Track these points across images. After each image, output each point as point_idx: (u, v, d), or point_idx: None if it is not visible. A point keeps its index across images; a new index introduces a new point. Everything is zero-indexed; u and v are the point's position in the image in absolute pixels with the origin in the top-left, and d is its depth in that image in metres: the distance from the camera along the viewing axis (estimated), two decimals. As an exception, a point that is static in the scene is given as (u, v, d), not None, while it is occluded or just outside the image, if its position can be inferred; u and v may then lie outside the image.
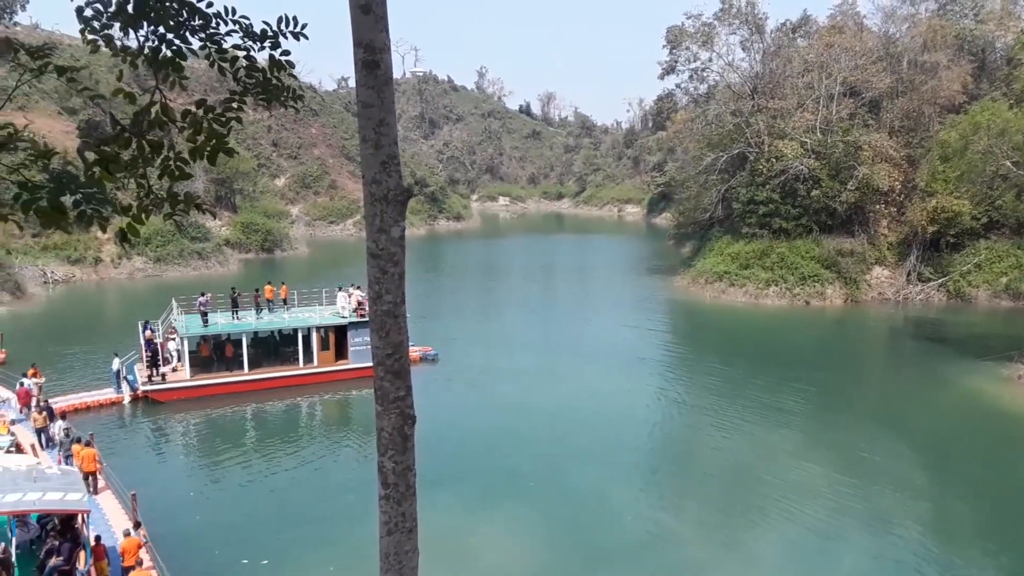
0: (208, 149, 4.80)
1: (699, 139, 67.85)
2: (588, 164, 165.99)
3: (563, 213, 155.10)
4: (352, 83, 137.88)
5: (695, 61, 68.59)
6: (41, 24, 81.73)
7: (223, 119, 4.88)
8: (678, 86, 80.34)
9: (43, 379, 29.04)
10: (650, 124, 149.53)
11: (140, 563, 16.40)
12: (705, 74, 70.18)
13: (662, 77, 73.62)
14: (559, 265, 79.93)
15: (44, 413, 24.86)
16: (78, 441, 22.12)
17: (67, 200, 4.36)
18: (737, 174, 61.47)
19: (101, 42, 4.71)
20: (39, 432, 24.65)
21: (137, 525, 18.09)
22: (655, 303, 55.12)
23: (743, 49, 66.52)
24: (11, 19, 68.87)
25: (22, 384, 27.71)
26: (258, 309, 34.86)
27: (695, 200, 67.67)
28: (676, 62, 70.21)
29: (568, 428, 28.25)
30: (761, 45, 65.25)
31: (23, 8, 70.03)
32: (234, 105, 4.85)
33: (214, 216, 6.99)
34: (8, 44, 4.76)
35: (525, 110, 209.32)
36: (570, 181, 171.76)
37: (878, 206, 56.98)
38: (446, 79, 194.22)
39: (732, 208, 60.92)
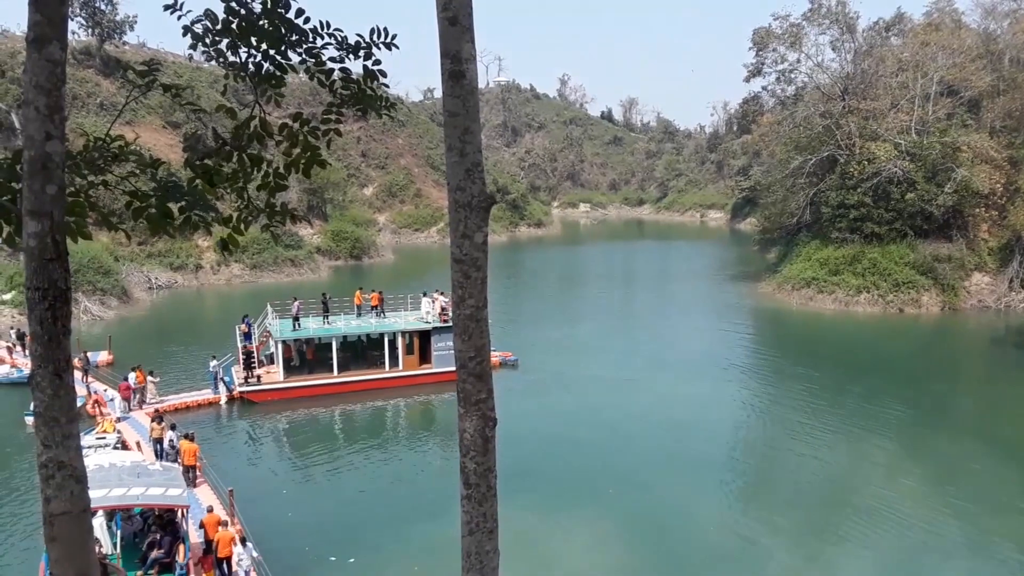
0: (303, 162, 5.05)
1: (786, 142, 66.22)
2: (670, 169, 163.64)
3: (644, 219, 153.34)
4: (437, 94, 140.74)
5: (782, 63, 67.28)
6: (147, 43, 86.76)
7: (318, 132, 5.13)
8: (764, 88, 78.94)
9: (159, 378, 30.85)
10: (735, 128, 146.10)
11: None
12: (793, 75, 68.70)
13: (748, 79, 72.59)
14: (640, 271, 79.09)
15: (162, 424, 24.70)
16: (178, 432, 23.41)
17: (173, 207, 4.70)
18: (826, 177, 59.60)
19: (212, 55, 5.03)
20: (156, 442, 24.24)
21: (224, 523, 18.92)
22: (739, 310, 53.82)
23: (833, 49, 64.68)
24: (120, 39, 73.41)
25: (125, 379, 29.58)
26: (327, 313, 35.92)
27: (781, 204, 65.98)
28: (763, 64, 68.95)
29: (649, 436, 27.91)
30: (852, 45, 63.13)
31: (131, 28, 74.49)
32: (332, 116, 5.10)
33: (309, 223, 7.29)
34: (120, 63, 5.15)
35: (607, 116, 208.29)
36: (651, 187, 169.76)
37: (978, 209, 54.06)
38: (528, 88, 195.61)
39: (821, 212, 59.00)
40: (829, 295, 53.45)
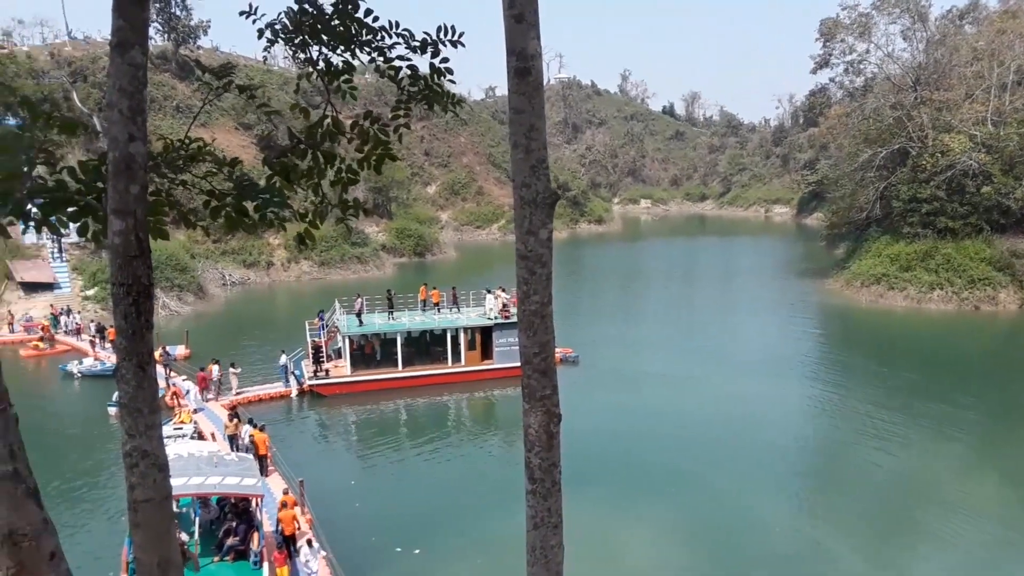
0: (374, 157, 5.16)
1: (855, 134, 64.15)
2: (734, 164, 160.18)
3: (706, 215, 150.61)
4: (499, 92, 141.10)
5: (851, 53, 65.19)
6: (220, 47, 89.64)
7: (387, 128, 5.23)
8: (832, 80, 76.66)
9: (239, 369, 32.01)
10: (801, 120, 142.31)
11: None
12: (862, 66, 66.46)
13: (815, 71, 70.70)
14: (702, 268, 77.77)
15: (235, 420, 25.10)
16: (253, 425, 24.19)
17: (248, 206, 4.85)
18: (897, 171, 57.45)
19: (293, 50, 5.18)
20: (231, 439, 24.62)
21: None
22: (806, 306, 52.39)
23: (904, 39, 62.42)
24: (195, 43, 76.11)
25: (202, 369, 30.78)
26: (392, 309, 36.46)
27: (850, 199, 63.95)
28: (830, 55, 66.97)
29: (712, 434, 27.46)
30: (924, 34, 60.72)
31: (205, 33, 77.15)
32: (400, 112, 5.20)
33: (379, 216, 7.35)
34: (198, 66, 5.36)
35: (668, 111, 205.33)
36: (714, 182, 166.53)
37: (1059, 203, 51.29)
38: (589, 84, 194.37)
39: (891, 207, 56.92)
40: (900, 292, 51.65)
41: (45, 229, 4.59)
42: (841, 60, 66.54)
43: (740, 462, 24.76)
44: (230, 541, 17.48)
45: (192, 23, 75.22)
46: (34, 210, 4.62)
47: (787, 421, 28.93)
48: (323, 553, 17.95)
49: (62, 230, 4.83)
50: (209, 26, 76.31)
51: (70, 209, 4.56)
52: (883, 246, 56.17)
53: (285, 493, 19.63)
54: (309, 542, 17.56)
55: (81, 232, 4.56)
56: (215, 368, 31.20)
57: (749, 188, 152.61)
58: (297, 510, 19.39)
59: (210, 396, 30.59)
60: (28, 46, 72.45)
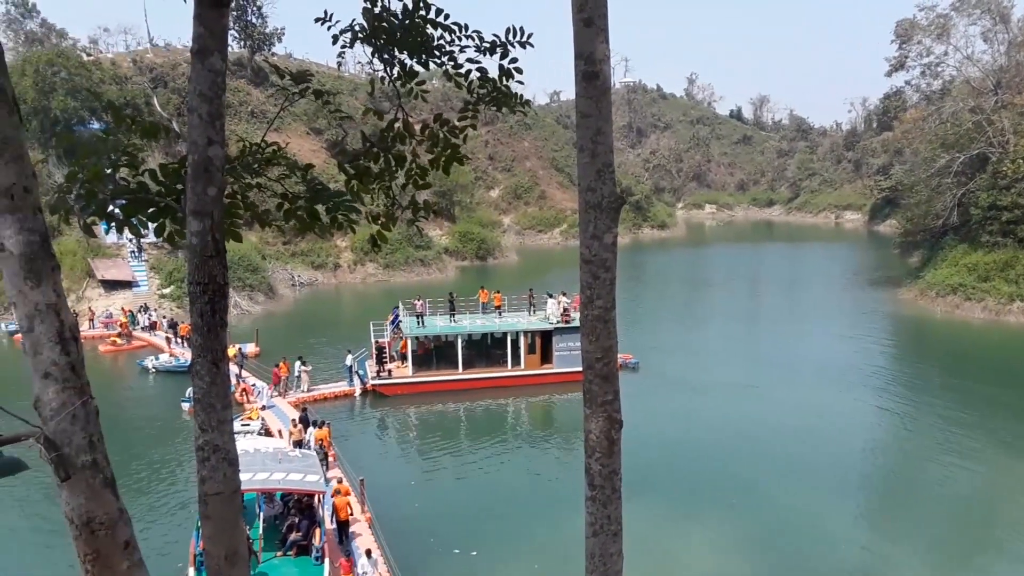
0: (444, 159, 5.24)
1: (931, 139, 61.77)
2: (803, 168, 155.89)
3: (773, 220, 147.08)
4: (563, 96, 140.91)
5: (928, 56, 63.29)
6: (294, 54, 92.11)
7: (457, 131, 5.31)
8: (908, 83, 74.61)
9: (310, 367, 33.02)
10: (874, 124, 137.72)
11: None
12: (939, 69, 64.45)
13: (890, 74, 68.94)
14: (768, 275, 75.88)
15: (299, 426, 25.13)
16: (316, 426, 24.70)
17: (320, 209, 4.97)
18: (976, 177, 55.03)
19: (358, 60, 5.34)
20: (296, 444, 23.92)
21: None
22: (876, 317, 50.58)
23: (984, 41, 60.08)
24: (269, 50, 78.45)
25: (276, 366, 31.89)
26: (453, 312, 36.74)
27: (925, 206, 61.55)
28: (906, 57, 65.09)
29: (774, 445, 26.76)
30: (1006, 36, 58.28)
31: (279, 40, 79.44)
32: (468, 114, 5.26)
33: (446, 216, 7.35)
34: (278, 71, 5.53)
35: (736, 115, 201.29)
36: (782, 187, 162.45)
37: None
38: (655, 88, 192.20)
39: (969, 214, 54.47)
40: (978, 303, 49.33)
41: (125, 229, 4.78)
42: (918, 62, 64.80)
43: (802, 474, 24.06)
44: (293, 536, 17.87)
45: (267, 30, 77.56)
46: (116, 211, 4.83)
47: (853, 434, 27.97)
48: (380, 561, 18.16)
49: (142, 231, 5.04)
50: (283, 33, 78.75)
51: (150, 210, 4.75)
52: (960, 255, 53.89)
53: (339, 482, 20.45)
54: (368, 552, 17.84)
55: (158, 233, 4.74)
56: (297, 365, 32.21)
57: (819, 193, 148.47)
58: (352, 498, 19.92)
59: (276, 393, 31.47)
60: (112, 53, 75.84)
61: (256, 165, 5.11)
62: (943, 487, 23.35)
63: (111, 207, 4.77)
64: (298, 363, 32.58)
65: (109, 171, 4.75)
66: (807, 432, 27.96)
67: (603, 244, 4.24)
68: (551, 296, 36.04)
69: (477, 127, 5.61)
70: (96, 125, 59.32)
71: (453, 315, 36.48)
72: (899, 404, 31.65)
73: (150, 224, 4.79)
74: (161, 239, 4.93)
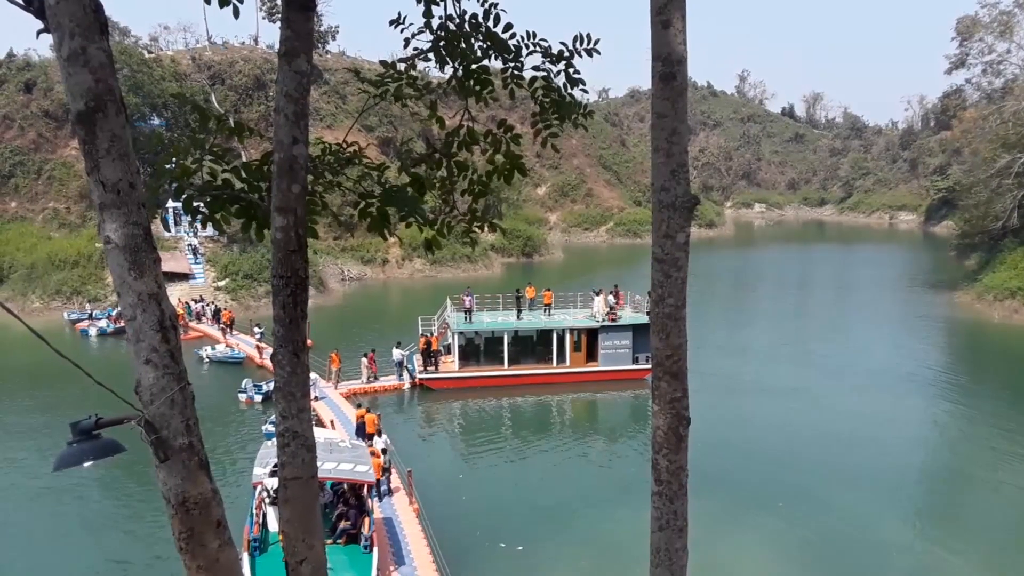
0: (506, 169, 5.29)
1: (992, 139, 59.88)
2: (857, 168, 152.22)
3: (825, 221, 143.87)
4: (613, 95, 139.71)
5: (990, 53, 61.63)
6: (346, 52, 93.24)
7: (519, 139, 5.35)
8: (968, 81, 72.43)
9: (365, 360, 33.72)
10: (932, 124, 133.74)
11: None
12: (1002, 67, 62.60)
13: (949, 72, 67.31)
14: (819, 277, 74.27)
15: (362, 407, 25.70)
16: (359, 407, 25.57)
17: (390, 210, 5.10)
18: (1037, 178, 53.22)
19: (441, 57, 5.38)
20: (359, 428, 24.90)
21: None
22: (931, 321, 49.15)
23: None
24: (323, 48, 79.68)
25: (365, 355, 33.43)
26: (520, 309, 36.90)
27: (984, 207, 59.69)
28: (967, 55, 63.31)
29: (824, 449, 26.26)
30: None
31: (333, 38, 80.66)
32: (540, 126, 5.30)
33: (503, 233, 7.42)
34: (358, 76, 5.69)
35: (788, 112, 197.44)
36: (835, 186, 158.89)
37: None
38: (705, 85, 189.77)
39: (1030, 216, 52.78)
40: (1037, 308, 47.73)
41: (185, 222, 5.00)
42: (979, 60, 63.13)
43: (853, 479, 23.57)
44: (342, 525, 18.20)
45: (322, 29, 78.83)
46: (201, 206, 5.05)
47: (905, 440, 27.30)
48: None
49: (224, 227, 5.26)
50: (337, 31, 79.93)
51: (234, 207, 4.95)
52: (1019, 258, 52.33)
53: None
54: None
55: (245, 228, 4.93)
56: (337, 360, 32.80)
57: (872, 193, 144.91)
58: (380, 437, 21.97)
59: (328, 383, 32.15)
60: (172, 51, 77.80)
61: (336, 165, 5.27)
62: (1000, 495, 22.65)
63: (196, 203, 4.99)
64: (363, 358, 33.53)
65: (195, 168, 4.97)
66: (856, 437, 27.37)
67: (676, 243, 4.28)
68: (599, 293, 35.89)
69: (558, 134, 5.58)
70: (157, 121, 61.10)
71: (520, 312, 36.68)
72: (954, 410, 30.80)
73: (234, 220, 4.99)
74: (219, 233, 5.14)
